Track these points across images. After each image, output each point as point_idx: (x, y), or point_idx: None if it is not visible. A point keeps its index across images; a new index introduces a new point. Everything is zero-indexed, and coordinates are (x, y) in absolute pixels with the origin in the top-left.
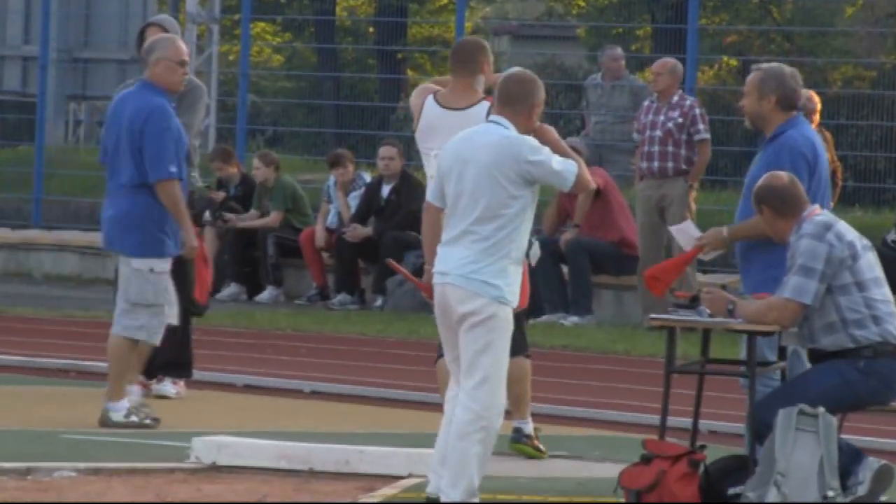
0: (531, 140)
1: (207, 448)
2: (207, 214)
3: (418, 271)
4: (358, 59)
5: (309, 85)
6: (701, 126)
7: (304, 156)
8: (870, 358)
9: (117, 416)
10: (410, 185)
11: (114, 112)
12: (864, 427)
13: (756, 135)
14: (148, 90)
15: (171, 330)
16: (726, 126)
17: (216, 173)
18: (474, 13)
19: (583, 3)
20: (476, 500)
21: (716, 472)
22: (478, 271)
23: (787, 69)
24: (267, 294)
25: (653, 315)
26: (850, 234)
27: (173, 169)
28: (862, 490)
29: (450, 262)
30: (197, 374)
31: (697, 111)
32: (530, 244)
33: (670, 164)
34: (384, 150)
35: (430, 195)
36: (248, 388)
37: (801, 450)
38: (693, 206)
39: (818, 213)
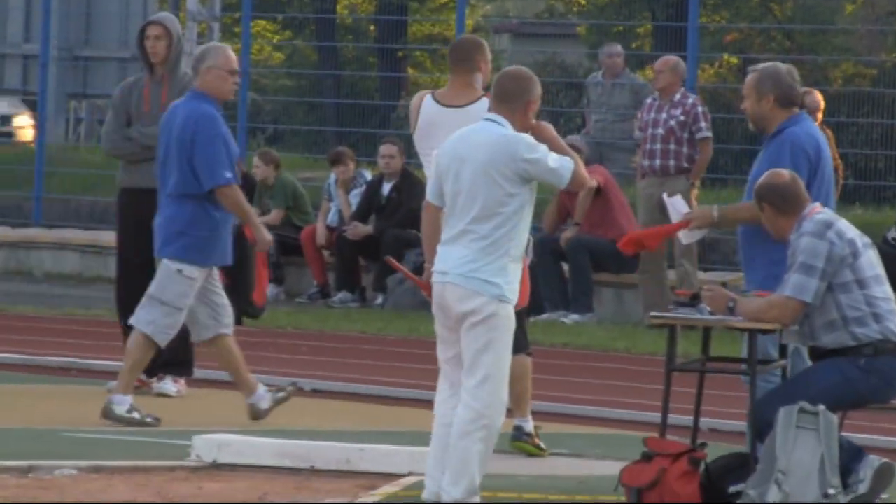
0: (527, 138)
1: (208, 446)
2: None
3: (419, 269)
4: (358, 58)
5: (309, 83)
6: (703, 124)
7: (305, 154)
8: (870, 356)
9: (120, 410)
10: (411, 183)
11: (165, 122)
12: (865, 425)
13: (757, 133)
14: (197, 99)
15: None
16: (727, 124)
17: None
18: (475, 11)
19: (583, 2)
20: (477, 499)
21: (716, 469)
22: (477, 270)
23: (783, 67)
24: (268, 292)
25: (653, 313)
26: (851, 231)
27: (229, 175)
28: (863, 488)
29: (449, 261)
30: (198, 373)
31: (699, 109)
32: (528, 241)
33: (672, 162)
34: (385, 148)
35: (429, 194)
36: None
37: (801, 448)
38: (695, 204)
39: (819, 211)
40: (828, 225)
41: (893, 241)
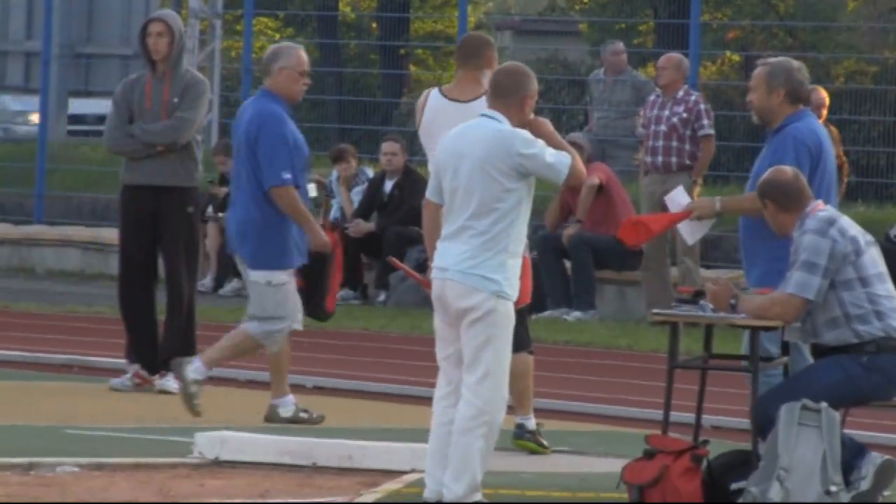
0: (524, 133)
1: (210, 443)
2: (210, 209)
3: (421, 266)
4: (360, 55)
5: (311, 80)
6: (705, 121)
7: None
8: (873, 353)
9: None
10: (413, 181)
11: (236, 120)
12: (867, 422)
13: (759, 130)
14: (266, 98)
15: (174, 325)
16: (729, 121)
17: (219, 167)
18: (477, 8)
19: None
20: (479, 496)
21: (719, 467)
22: (476, 266)
23: (795, 63)
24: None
25: (655, 310)
26: (854, 229)
27: (287, 176)
28: (865, 485)
29: (448, 257)
30: None
31: (702, 106)
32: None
33: (674, 159)
34: (387, 146)
35: (428, 192)
36: (251, 384)
37: (803, 445)
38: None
39: (821, 209)
40: (830, 222)
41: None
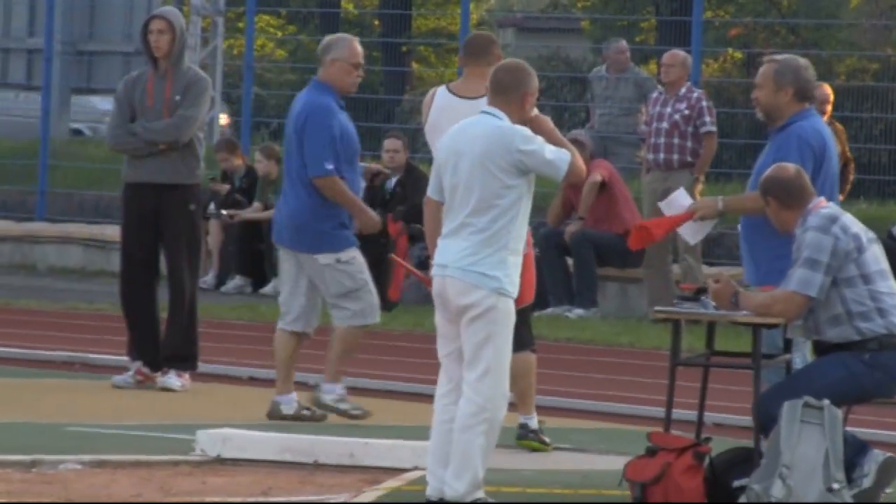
0: (523, 130)
1: (212, 441)
2: (212, 206)
3: (423, 264)
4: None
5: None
6: (707, 119)
7: None
8: (875, 350)
9: (328, 398)
10: (415, 178)
11: (290, 111)
12: (869, 419)
13: (761, 127)
14: (318, 89)
15: (176, 322)
16: (731, 119)
17: (221, 165)
18: (479, 5)
19: None
20: (481, 493)
21: (721, 464)
22: (476, 263)
23: (802, 60)
24: (271, 286)
25: (658, 307)
26: (856, 226)
27: (329, 166)
28: (867, 482)
29: (448, 254)
30: (202, 367)
31: (704, 104)
32: None
33: (676, 157)
34: (389, 143)
35: (429, 189)
36: (253, 381)
37: (806, 442)
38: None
39: (824, 206)
40: (833, 219)
41: None
